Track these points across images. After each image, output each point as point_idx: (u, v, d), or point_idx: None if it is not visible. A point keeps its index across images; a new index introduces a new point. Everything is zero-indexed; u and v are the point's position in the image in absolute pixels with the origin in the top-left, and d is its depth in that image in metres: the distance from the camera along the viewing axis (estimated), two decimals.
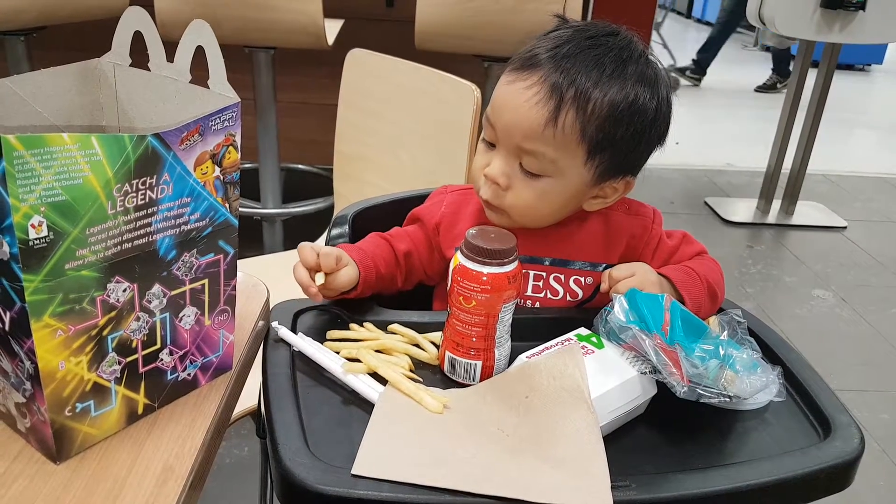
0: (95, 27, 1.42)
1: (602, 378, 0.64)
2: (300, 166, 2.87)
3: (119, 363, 0.55)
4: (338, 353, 0.69)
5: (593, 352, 0.67)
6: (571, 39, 0.74)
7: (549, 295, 0.82)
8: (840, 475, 0.61)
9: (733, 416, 0.66)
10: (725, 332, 0.71)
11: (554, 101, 0.71)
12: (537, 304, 0.83)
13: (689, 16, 9.20)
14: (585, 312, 0.81)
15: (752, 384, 0.63)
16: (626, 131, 0.74)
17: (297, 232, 2.45)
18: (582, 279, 0.82)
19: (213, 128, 0.53)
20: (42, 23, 2.00)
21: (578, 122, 0.72)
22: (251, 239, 2.44)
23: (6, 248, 0.46)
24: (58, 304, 0.49)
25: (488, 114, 0.76)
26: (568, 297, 0.83)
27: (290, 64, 2.46)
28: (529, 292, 0.82)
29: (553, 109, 0.71)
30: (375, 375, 0.66)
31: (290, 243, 2.39)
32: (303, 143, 2.77)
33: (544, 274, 0.82)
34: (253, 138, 2.28)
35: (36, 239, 0.46)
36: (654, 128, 0.76)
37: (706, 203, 3.22)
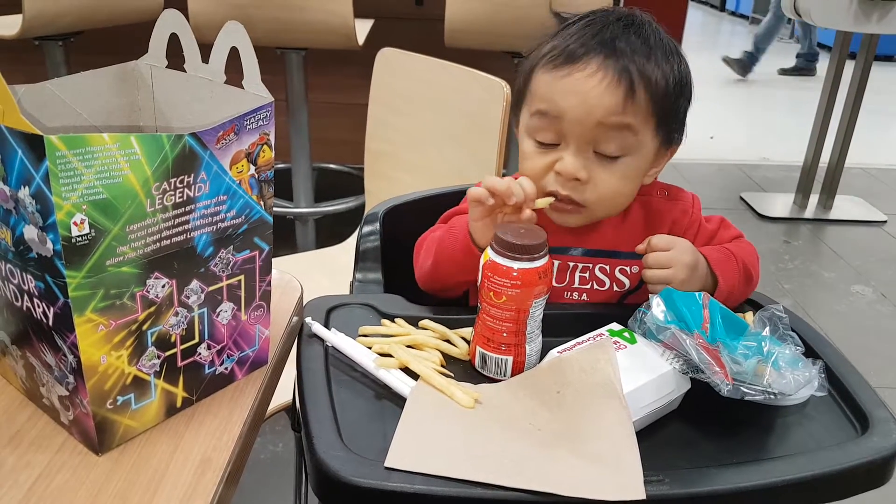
0: (130, 31, 1.46)
1: (635, 373, 0.63)
2: (332, 166, 2.90)
3: (158, 357, 0.56)
4: (370, 348, 0.69)
5: (625, 347, 0.66)
6: (604, 23, 0.76)
7: (595, 286, 0.83)
8: (877, 471, 0.60)
9: (768, 411, 0.65)
10: (767, 329, 0.70)
11: (626, 81, 0.73)
12: (584, 297, 0.83)
13: (722, 9, 9.05)
14: (618, 308, 0.81)
15: (796, 380, 0.63)
16: (679, 99, 0.78)
17: (329, 231, 2.47)
18: (627, 269, 0.83)
19: (248, 127, 0.54)
20: (79, 27, 2.05)
21: (648, 97, 0.74)
22: (284, 238, 2.47)
23: (50, 245, 0.47)
24: (99, 299, 0.50)
25: (544, 112, 0.75)
26: (615, 288, 0.83)
27: (322, 64, 2.49)
28: (577, 284, 0.83)
29: (627, 88, 0.73)
30: (407, 370, 0.66)
31: (321, 242, 2.41)
32: (334, 142, 2.79)
33: (590, 265, 0.83)
34: (285, 138, 2.30)
35: (78, 236, 0.47)
36: (692, 90, 0.80)
37: (742, 198, 3.17)
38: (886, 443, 0.61)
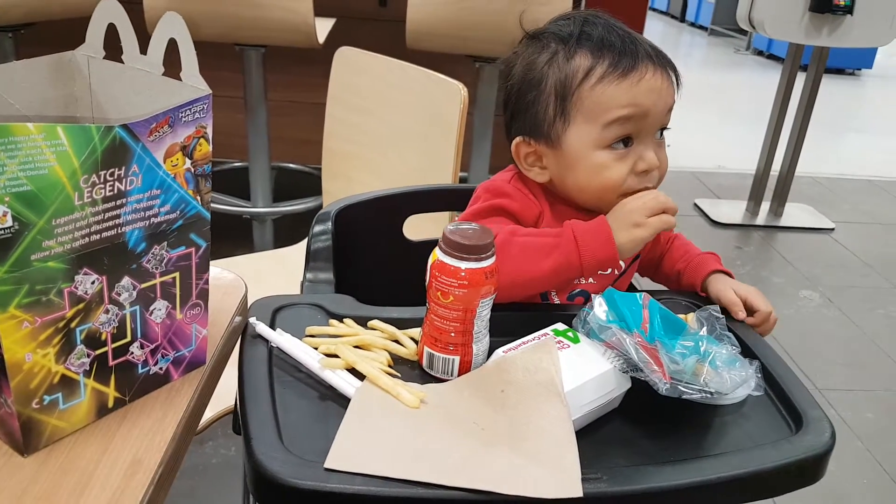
0: (82, 24, 1.42)
1: (576, 372, 0.64)
2: (291, 165, 2.87)
3: (88, 356, 0.54)
4: (316, 348, 0.68)
5: (569, 346, 0.67)
6: (608, 26, 0.81)
7: (599, 272, 0.87)
8: (811, 468, 0.61)
9: (707, 410, 0.66)
10: (704, 328, 0.71)
11: (670, 68, 0.82)
12: (591, 280, 0.87)
13: (682, 20, 9.23)
14: (564, 308, 0.82)
15: (732, 379, 0.64)
16: None
17: (288, 231, 2.44)
18: None
19: (184, 119, 0.53)
20: (31, 19, 1.99)
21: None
22: (241, 238, 2.43)
23: None
24: (23, 295, 0.48)
25: (628, 116, 0.78)
26: (615, 272, 0.89)
27: (282, 62, 2.46)
28: None
29: (672, 74, 0.82)
30: (354, 371, 0.66)
31: (280, 242, 2.38)
32: (294, 141, 2.76)
33: None
34: (243, 137, 2.27)
35: (1, 229, 0.45)
36: None
37: (696, 205, 3.23)
38: (819, 441, 0.62)
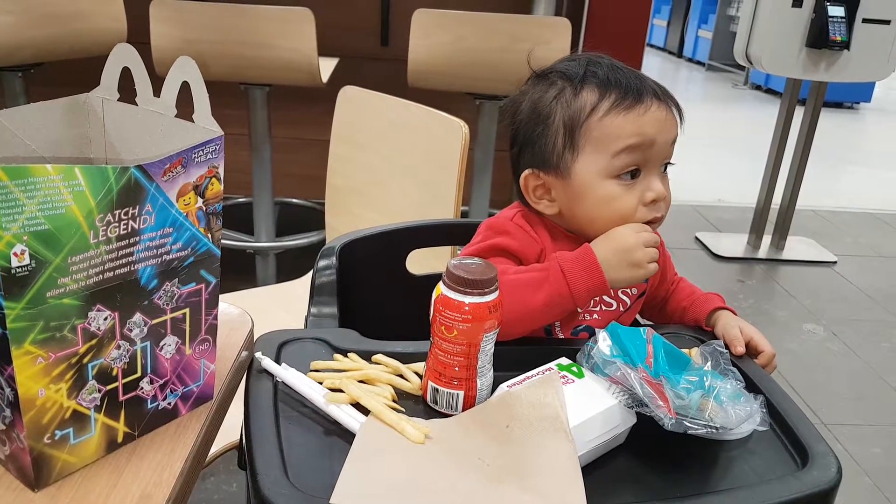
0: (91, 63, 1.45)
1: (581, 407, 0.64)
2: (294, 200, 2.89)
3: (99, 391, 0.55)
4: (321, 383, 0.69)
5: (573, 381, 0.67)
6: (612, 66, 0.84)
7: (603, 307, 0.89)
8: None
9: (713, 446, 0.66)
10: (709, 363, 0.72)
11: (673, 104, 0.85)
12: (595, 316, 0.89)
13: (679, 55, 9.37)
14: (568, 343, 0.82)
15: (738, 414, 0.64)
16: None
17: (291, 265, 2.46)
18: (628, 290, 0.90)
19: (197, 160, 0.55)
20: (39, 59, 2.03)
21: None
22: (244, 272, 2.44)
23: None
24: (39, 331, 0.49)
25: (636, 145, 0.81)
26: (621, 308, 0.90)
27: (286, 100, 2.50)
28: (591, 307, 0.89)
29: (674, 109, 0.85)
30: (358, 406, 0.66)
31: (283, 277, 2.40)
32: (297, 177, 2.80)
33: None
34: (248, 173, 2.30)
35: (18, 267, 0.47)
36: None
37: (697, 238, 3.25)
38: (825, 476, 0.62)
